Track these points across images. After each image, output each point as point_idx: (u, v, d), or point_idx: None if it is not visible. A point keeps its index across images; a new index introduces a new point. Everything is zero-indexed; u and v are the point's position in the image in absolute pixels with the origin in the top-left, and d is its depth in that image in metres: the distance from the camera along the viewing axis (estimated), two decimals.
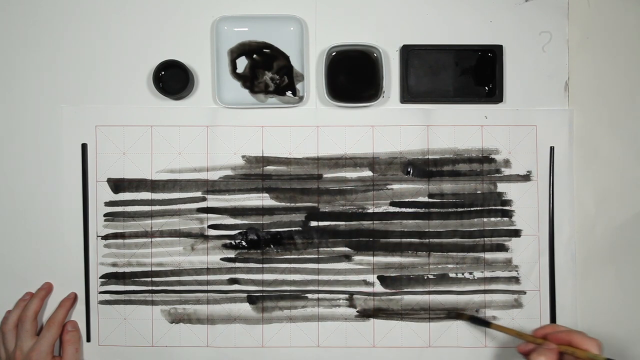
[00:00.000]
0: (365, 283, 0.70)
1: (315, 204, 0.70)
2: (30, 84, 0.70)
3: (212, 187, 0.70)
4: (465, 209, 0.70)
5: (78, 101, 0.70)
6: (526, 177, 0.70)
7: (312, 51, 0.70)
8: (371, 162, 0.70)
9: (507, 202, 0.70)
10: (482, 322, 0.68)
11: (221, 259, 0.70)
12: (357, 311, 0.70)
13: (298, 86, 0.69)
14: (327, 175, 0.70)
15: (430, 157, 0.70)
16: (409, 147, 0.70)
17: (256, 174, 0.70)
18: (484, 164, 0.70)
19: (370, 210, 0.70)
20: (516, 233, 0.70)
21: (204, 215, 0.70)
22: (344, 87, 0.69)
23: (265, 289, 0.70)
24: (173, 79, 0.69)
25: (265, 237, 0.70)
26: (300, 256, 0.70)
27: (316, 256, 0.70)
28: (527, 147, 0.70)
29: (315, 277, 0.70)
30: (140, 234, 0.70)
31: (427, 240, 0.70)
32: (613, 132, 0.70)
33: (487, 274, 0.70)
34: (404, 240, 0.70)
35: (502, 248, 0.70)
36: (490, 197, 0.70)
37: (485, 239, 0.70)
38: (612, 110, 0.70)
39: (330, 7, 0.70)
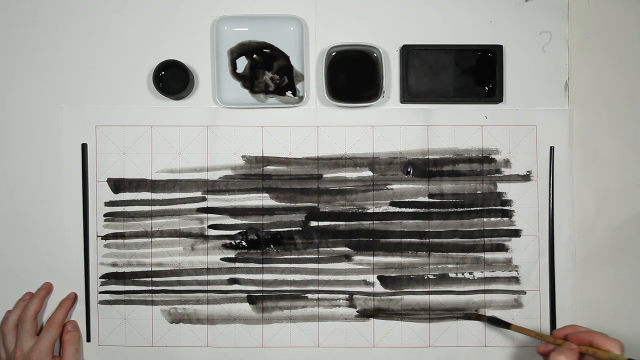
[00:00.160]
0: (365, 283, 0.70)
1: (315, 204, 0.70)
2: (30, 84, 0.70)
3: (212, 187, 0.70)
4: (465, 209, 0.70)
5: (78, 101, 0.70)
6: (526, 177, 0.70)
7: (312, 51, 0.70)
8: (371, 162, 0.70)
9: (507, 202, 0.70)
10: (502, 324, 0.67)
11: (221, 259, 0.70)
12: (357, 311, 0.70)
13: (298, 86, 0.69)
14: (327, 175, 0.70)
15: (430, 157, 0.70)
16: (409, 147, 0.70)
17: (256, 174, 0.70)
18: (484, 164, 0.70)
19: (370, 210, 0.70)
20: (516, 233, 0.70)
21: (204, 215, 0.70)
22: (344, 87, 0.69)
23: (265, 289, 0.70)
24: (173, 79, 0.69)
25: (265, 237, 0.70)
26: (300, 256, 0.70)
27: (316, 256, 0.70)
28: (527, 147, 0.70)
29: (315, 277, 0.70)
30: (140, 234, 0.70)
31: (427, 240, 0.70)
32: (613, 132, 0.70)
33: (487, 274, 0.70)
34: (404, 240, 0.70)
35: (502, 248, 0.70)
36: (490, 197, 0.70)
37: (485, 239, 0.70)
38: (612, 110, 0.70)
39: (330, 7, 0.70)
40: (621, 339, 0.69)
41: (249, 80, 0.69)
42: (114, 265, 0.70)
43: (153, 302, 0.70)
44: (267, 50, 0.70)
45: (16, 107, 0.70)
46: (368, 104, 0.68)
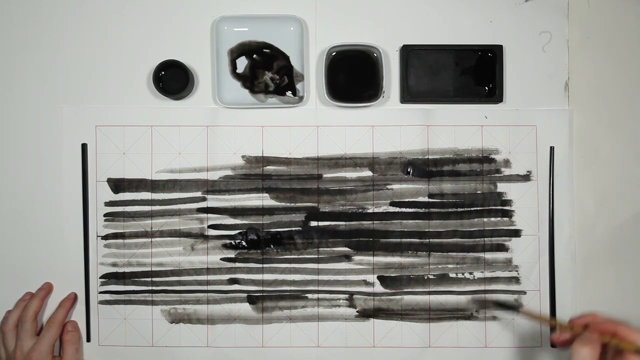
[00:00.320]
0: (365, 283, 0.70)
1: (315, 204, 0.70)
2: (30, 84, 0.70)
3: (212, 187, 0.70)
4: (465, 209, 0.70)
5: (78, 101, 0.70)
6: (526, 177, 0.70)
7: (312, 51, 0.70)
8: (371, 162, 0.70)
9: (507, 202, 0.70)
10: (510, 307, 0.66)
11: (221, 259, 0.70)
12: (357, 311, 0.70)
13: (298, 86, 0.69)
14: (327, 175, 0.70)
15: (430, 157, 0.70)
16: (409, 147, 0.70)
17: (256, 174, 0.70)
18: (484, 164, 0.70)
19: (370, 210, 0.70)
20: (516, 233, 0.70)
21: (204, 215, 0.70)
22: (344, 87, 0.69)
23: (265, 289, 0.70)
24: (173, 79, 0.69)
25: (265, 237, 0.70)
26: (300, 256, 0.70)
27: (316, 256, 0.70)
28: (527, 147, 0.70)
29: (315, 277, 0.70)
30: (140, 234, 0.70)
31: (427, 240, 0.70)
32: (613, 132, 0.70)
33: (487, 274, 0.70)
34: (404, 240, 0.70)
35: (502, 248, 0.70)
36: (490, 197, 0.70)
37: (485, 239, 0.70)
38: (612, 110, 0.70)
39: (330, 7, 0.70)
40: None
41: (249, 80, 0.69)
42: (114, 265, 0.70)
43: (153, 302, 0.70)
44: (267, 50, 0.70)
45: (16, 107, 0.70)
46: (368, 104, 0.68)
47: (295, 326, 0.70)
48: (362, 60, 0.69)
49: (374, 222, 0.70)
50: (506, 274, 0.70)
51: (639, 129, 0.70)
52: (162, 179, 0.70)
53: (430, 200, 0.70)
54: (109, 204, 0.70)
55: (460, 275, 0.70)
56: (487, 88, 0.70)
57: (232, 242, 0.70)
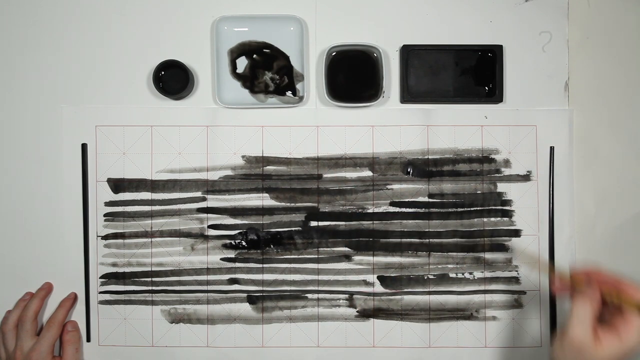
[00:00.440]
0: (365, 283, 0.70)
1: (315, 204, 0.70)
2: (30, 84, 0.70)
3: (212, 187, 0.70)
4: (465, 209, 0.70)
5: (78, 101, 0.70)
6: (526, 177, 0.70)
7: (312, 51, 0.70)
8: (371, 162, 0.70)
9: (507, 202, 0.70)
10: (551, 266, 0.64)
11: (221, 259, 0.70)
12: (357, 311, 0.70)
13: (298, 86, 0.69)
14: (327, 175, 0.70)
15: (430, 157, 0.70)
16: (409, 147, 0.70)
17: (256, 174, 0.70)
18: (484, 164, 0.70)
19: (370, 210, 0.70)
20: (516, 233, 0.70)
21: (204, 215, 0.70)
22: (344, 87, 0.69)
23: (265, 289, 0.70)
24: (173, 79, 0.69)
25: (265, 237, 0.70)
26: (300, 256, 0.70)
27: (316, 256, 0.70)
28: (527, 147, 0.70)
29: (315, 277, 0.70)
30: (140, 234, 0.70)
31: (427, 240, 0.70)
32: (613, 132, 0.70)
33: (487, 274, 0.70)
34: (404, 240, 0.70)
35: (502, 248, 0.70)
36: (490, 197, 0.70)
37: (485, 239, 0.70)
38: (612, 110, 0.70)
39: (330, 7, 0.70)
40: None
41: (249, 80, 0.69)
42: (114, 265, 0.70)
43: (153, 302, 0.70)
44: (267, 50, 0.70)
45: (16, 107, 0.70)
46: (368, 104, 0.68)
47: (295, 326, 0.70)
48: (362, 60, 0.69)
49: (374, 222, 0.70)
50: (506, 274, 0.70)
51: (639, 129, 0.70)
52: (162, 179, 0.70)
53: (430, 200, 0.70)
54: (109, 204, 0.70)
55: (460, 275, 0.70)
56: (487, 88, 0.70)
57: (232, 242, 0.70)
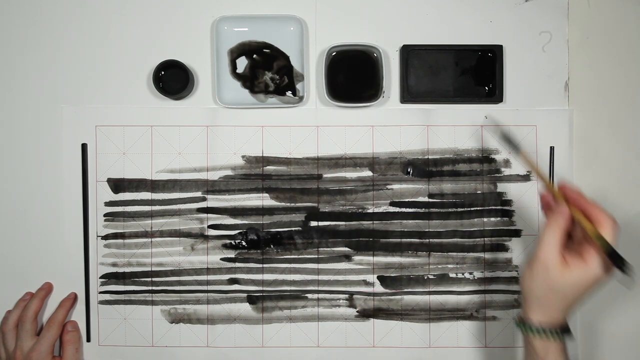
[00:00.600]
0: (365, 283, 0.70)
1: (315, 204, 0.70)
2: (30, 84, 0.70)
3: (212, 187, 0.70)
4: (465, 209, 0.70)
5: (78, 101, 0.70)
6: (526, 177, 0.70)
7: (312, 51, 0.70)
8: (371, 162, 0.70)
9: (507, 202, 0.70)
10: (513, 144, 0.64)
11: (221, 259, 0.70)
12: (357, 311, 0.70)
13: (298, 86, 0.69)
14: (327, 175, 0.70)
15: (430, 157, 0.70)
16: (409, 147, 0.70)
17: (256, 174, 0.70)
18: (484, 164, 0.70)
19: (370, 210, 0.70)
20: (516, 233, 0.70)
21: (204, 215, 0.70)
22: (344, 87, 0.69)
23: (265, 289, 0.70)
24: (173, 79, 0.69)
25: (265, 237, 0.70)
26: (300, 256, 0.70)
27: (316, 256, 0.70)
28: (527, 147, 0.70)
29: (315, 277, 0.70)
30: (140, 234, 0.70)
31: (427, 240, 0.70)
32: (613, 132, 0.70)
33: (487, 274, 0.70)
34: (404, 240, 0.70)
35: (502, 248, 0.70)
36: (490, 197, 0.70)
37: (485, 239, 0.70)
38: (612, 110, 0.70)
39: (330, 7, 0.70)
40: (621, 338, 0.70)
41: (249, 80, 0.69)
42: (114, 265, 0.70)
43: (153, 302, 0.70)
44: (267, 50, 0.70)
45: (16, 107, 0.70)
46: (368, 104, 0.68)
47: (295, 326, 0.70)
48: (362, 60, 0.69)
49: (374, 222, 0.70)
50: (506, 274, 0.70)
51: (639, 129, 0.70)
52: (162, 179, 0.70)
53: (430, 200, 0.70)
54: (109, 204, 0.70)
55: (460, 275, 0.70)
56: (487, 88, 0.70)
57: (232, 242, 0.70)
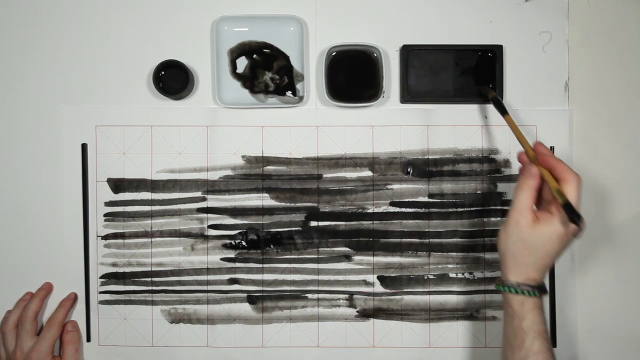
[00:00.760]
0: (365, 283, 0.70)
1: (315, 204, 0.70)
2: (30, 84, 0.70)
3: (212, 187, 0.70)
4: (465, 209, 0.70)
5: (78, 101, 0.70)
6: None
7: (312, 51, 0.70)
8: (371, 162, 0.70)
9: (507, 202, 0.70)
10: (501, 109, 0.65)
11: (221, 259, 0.70)
12: (357, 311, 0.70)
13: (298, 86, 0.69)
14: (327, 175, 0.70)
15: (430, 157, 0.70)
16: (409, 147, 0.70)
17: (256, 174, 0.70)
18: (484, 164, 0.70)
19: (370, 210, 0.70)
20: None
21: (204, 215, 0.70)
22: (344, 87, 0.69)
23: (265, 289, 0.70)
24: (173, 79, 0.69)
25: (265, 237, 0.70)
26: (300, 256, 0.70)
27: (316, 256, 0.70)
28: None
29: (315, 277, 0.70)
30: (140, 234, 0.70)
31: (427, 240, 0.70)
32: (613, 132, 0.70)
33: (487, 274, 0.70)
34: (404, 240, 0.70)
35: None
36: (490, 197, 0.70)
37: (485, 239, 0.70)
38: (612, 110, 0.70)
39: (330, 7, 0.70)
40: (621, 339, 0.70)
41: (249, 80, 0.69)
42: (114, 265, 0.70)
43: (153, 302, 0.70)
44: (267, 50, 0.70)
45: (16, 107, 0.70)
46: (368, 104, 0.68)
47: (295, 326, 0.70)
48: (362, 60, 0.69)
49: (374, 222, 0.70)
50: None
51: (639, 129, 0.70)
52: (162, 179, 0.70)
53: (430, 200, 0.70)
54: (109, 204, 0.70)
55: (460, 275, 0.70)
56: (481, 91, 0.70)
57: (232, 242, 0.70)
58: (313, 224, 0.70)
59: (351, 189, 0.70)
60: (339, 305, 0.70)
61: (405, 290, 0.70)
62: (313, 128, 0.70)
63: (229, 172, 0.70)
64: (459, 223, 0.70)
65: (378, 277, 0.70)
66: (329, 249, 0.70)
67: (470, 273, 0.70)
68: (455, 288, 0.70)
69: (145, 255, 0.70)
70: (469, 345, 0.69)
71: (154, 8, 0.70)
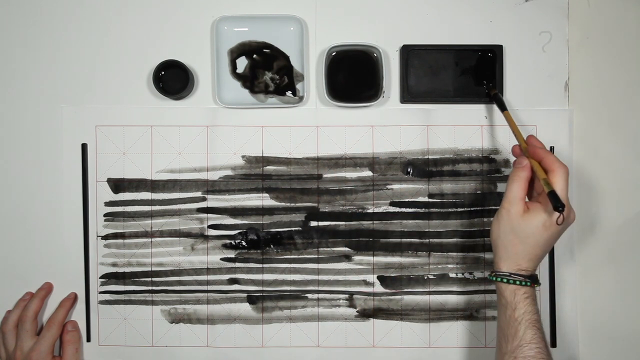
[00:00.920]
0: (365, 283, 0.70)
1: (315, 204, 0.70)
2: (30, 84, 0.70)
3: (212, 187, 0.70)
4: (465, 209, 0.70)
5: (78, 101, 0.70)
6: None
7: (312, 51, 0.70)
8: (371, 162, 0.70)
9: None
10: (501, 105, 0.66)
11: (221, 259, 0.70)
12: (357, 311, 0.70)
13: (298, 86, 0.69)
14: (327, 175, 0.70)
15: (430, 157, 0.70)
16: (409, 147, 0.70)
17: (256, 174, 0.70)
18: (484, 164, 0.70)
19: (370, 210, 0.70)
20: None
21: (204, 215, 0.70)
22: (344, 87, 0.69)
23: (265, 289, 0.70)
24: (173, 79, 0.69)
25: (265, 237, 0.70)
26: (300, 256, 0.70)
27: (316, 256, 0.70)
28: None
29: (315, 277, 0.70)
30: (140, 234, 0.70)
31: (427, 240, 0.70)
32: (613, 132, 0.70)
33: (487, 274, 0.70)
34: (404, 240, 0.70)
35: None
36: (490, 197, 0.70)
37: (486, 239, 0.70)
38: (612, 110, 0.70)
39: (330, 7, 0.70)
40: (621, 339, 0.70)
41: (249, 80, 0.69)
42: (114, 265, 0.70)
43: (153, 302, 0.70)
44: (267, 50, 0.70)
45: (16, 107, 0.70)
46: (368, 104, 0.68)
47: (295, 326, 0.70)
48: (362, 60, 0.69)
49: (374, 222, 0.70)
50: None
51: (639, 129, 0.70)
52: (162, 179, 0.70)
53: (430, 200, 0.70)
54: (109, 204, 0.70)
55: (460, 275, 0.70)
56: (485, 88, 0.70)
57: (232, 242, 0.70)
58: (313, 224, 0.70)
59: (351, 189, 0.70)
60: (339, 305, 0.70)
61: (405, 290, 0.70)
62: (313, 128, 0.70)
63: (229, 172, 0.70)
64: (459, 223, 0.70)
65: (378, 277, 0.70)
66: (329, 249, 0.70)
67: (470, 273, 0.70)
68: (455, 288, 0.70)
69: (145, 255, 0.70)
70: (468, 345, 0.69)
71: (154, 8, 0.70)
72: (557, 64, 0.70)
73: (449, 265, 0.70)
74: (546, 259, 0.69)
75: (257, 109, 0.70)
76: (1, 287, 0.70)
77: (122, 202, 0.70)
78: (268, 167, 0.70)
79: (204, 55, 0.70)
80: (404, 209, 0.70)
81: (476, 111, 0.70)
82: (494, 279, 0.58)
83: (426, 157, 0.70)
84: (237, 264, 0.70)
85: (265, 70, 0.69)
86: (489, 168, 0.70)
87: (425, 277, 0.70)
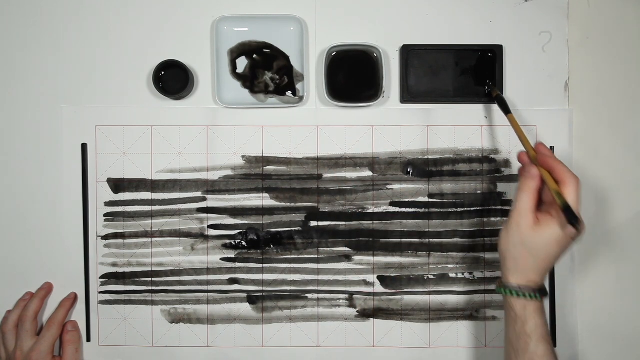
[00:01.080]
0: (365, 283, 0.70)
1: (315, 204, 0.70)
2: (30, 84, 0.70)
3: (212, 187, 0.70)
4: (465, 209, 0.70)
5: (78, 101, 0.70)
6: None
7: (312, 51, 0.70)
8: (371, 162, 0.70)
9: (507, 202, 0.70)
10: (505, 108, 0.65)
11: (221, 259, 0.70)
12: (357, 311, 0.70)
13: (298, 86, 0.69)
14: (327, 175, 0.70)
15: (430, 157, 0.70)
16: (409, 147, 0.70)
17: (256, 174, 0.70)
18: (484, 164, 0.70)
19: (370, 210, 0.70)
20: None
21: (204, 215, 0.70)
22: (344, 87, 0.69)
23: (265, 289, 0.70)
24: (173, 79, 0.69)
25: (265, 237, 0.70)
26: (300, 256, 0.70)
27: (316, 256, 0.70)
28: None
29: (315, 277, 0.70)
30: (140, 234, 0.70)
31: (427, 240, 0.70)
32: (613, 132, 0.70)
33: (487, 274, 0.70)
34: (404, 240, 0.70)
35: None
36: (490, 197, 0.70)
37: (486, 239, 0.70)
38: (612, 110, 0.70)
39: (330, 7, 0.70)
40: (621, 339, 0.70)
41: (249, 80, 0.69)
42: (114, 265, 0.70)
43: (153, 302, 0.70)
44: (267, 50, 0.70)
45: (16, 107, 0.70)
46: (368, 104, 0.68)
47: (295, 326, 0.70)
48: (362, 60, 0.69)
49: (374, 222, 0.70)
50: None
51: (639, 129, 0.70)
52: (162, 179, 0.70)
53: (430, 200, 0.70)
54: (109, 204, 0.70)
55: (460, 275, 0.70)
56: (487, 88, 0.70)
57: (232, 242, 0.70)
58: (313, 224, 0.70)
59: (351, 189, 0.70)
60: (339, 305, 0.70)
61: (405, 290, 0.70)
62: (313, 128, 0.70)
63: (229, 172, 0.70)
64: (459, 223, 0.70)
65: (378, 277, 0.70)
66: (329, 249, 0.70)
67: (470, 273, 0.70)
68: (455, 288, 0.70)
69: (145, 255, 0.70)
70: (469, 345, 0.69)
71: (154, 8, 0.70)
72: (557, 64, 0.70)
73: (449, 265, 0.70)
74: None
75: (257, 109, 0.70)
76: (1, 287, 0.70)
77: (122, 202, 0.70)
78: (268, 167, 0.70)
79: (204, 55, 0.70)
80: (404, 209, 0.70)
81: (476, 111, 0.70)
82: (503, 292, 0.57)
83: (426, 157, 0.70)
84: (237, 264, 0.70)
85: (265, 70, 0.69)
86: (489, 168, 0.70)
87: (425, 277, 0.70)
